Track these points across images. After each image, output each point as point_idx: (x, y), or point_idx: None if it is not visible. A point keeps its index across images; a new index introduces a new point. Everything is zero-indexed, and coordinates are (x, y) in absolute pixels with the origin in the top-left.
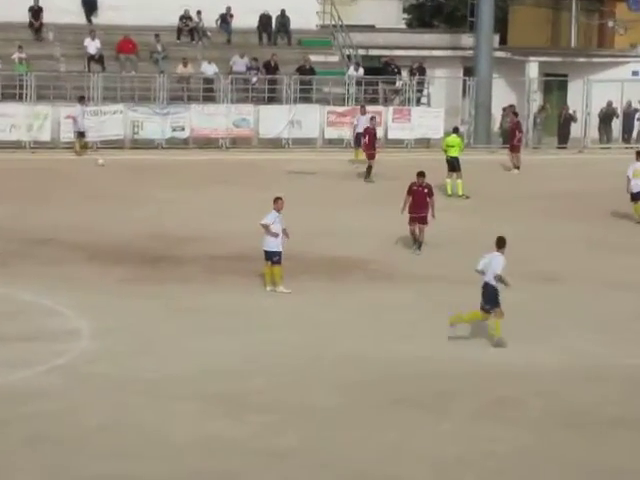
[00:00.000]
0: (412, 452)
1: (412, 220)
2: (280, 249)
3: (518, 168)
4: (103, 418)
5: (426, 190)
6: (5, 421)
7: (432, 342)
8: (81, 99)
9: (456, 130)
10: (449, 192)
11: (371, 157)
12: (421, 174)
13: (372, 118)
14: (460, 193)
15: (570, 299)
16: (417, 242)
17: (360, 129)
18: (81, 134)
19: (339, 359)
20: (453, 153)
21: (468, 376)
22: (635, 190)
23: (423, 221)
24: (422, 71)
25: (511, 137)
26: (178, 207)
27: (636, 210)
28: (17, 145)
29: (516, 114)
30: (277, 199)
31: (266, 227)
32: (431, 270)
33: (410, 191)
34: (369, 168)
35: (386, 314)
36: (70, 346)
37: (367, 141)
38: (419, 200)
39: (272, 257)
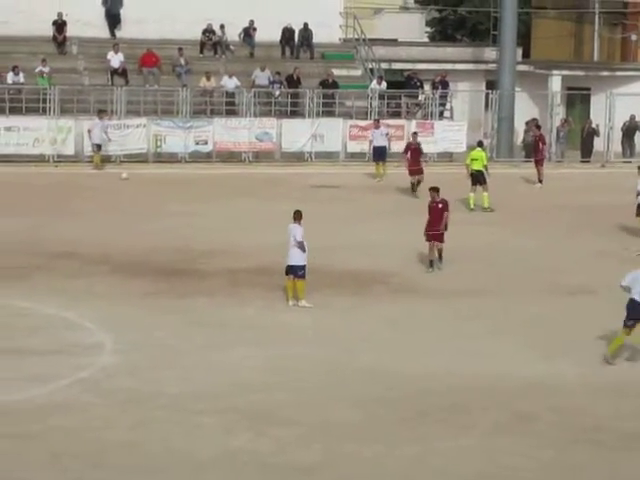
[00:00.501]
0: (432, 467)
1: (429, 238)
2: (305, 262)
3: (541, 182)
4: (126, 432)
5: (440, 205)
6: (27, 435)
7: (453, 357)
8: (99, 112)
9: (480, 144)
10: (471, 206)
11: (415, 172)
12: (434, 189)
13: (414, 134)
14: (485, 206)
15: (590, 312)
16: (433, 261)
17: (376, 143)
18: (98, 147)
19: (361, 373)
20: (477, 166)
21: (488, 391)
22: None
23: (440, 238)
24: (445, 85)
25: (536, 150)
26: (200, 220)
27: None
28: (41, 159)
29: (539, 127)
30: (299, 212)
31: (302, 243)
32: (452, 284)
33: (428, 209)
34: (418, 183)
35: (407, 328)
36: (93, 360)
37: (409, 157)
38: (435, 216)
39: (297, 271)
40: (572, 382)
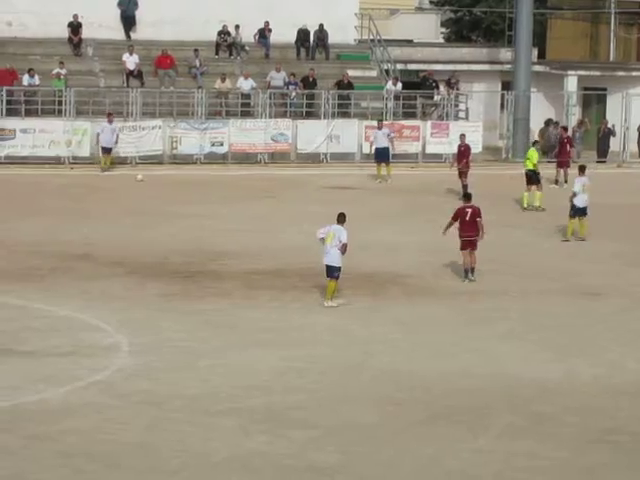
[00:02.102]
0: (449, 468)
1: (463, 245)
2: (341, 265)
3: (566, 182)
4: (141, 434)
5: (470, 210)
6: (43, 436)
7: (469, 357)
8: (108, 115)
9: (534, 143)
10: (524, 205)
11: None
12: (466, 196)
13: (462, 135)
14: (537, 204)
15: (609, 314)
16: (467, 270)
17: (378, 144)
18: (105, 150)
19: (377, 375)
20: (528, 166)
21: (504, 392)
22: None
23: (472, 246)
24: (454, 84)
25: (561, 152)
26: (216, 222)
27: None
28: (56, 161)
29: (565, 129)
30: (343, 214)
31: (346, 245)
32: (469, 285)
33: (455, 215)
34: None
35: (423, 330)
36: (108, 361)
37: (457, 158)
38: (464, 222)
39: (334, 272)
40: (589, 383)
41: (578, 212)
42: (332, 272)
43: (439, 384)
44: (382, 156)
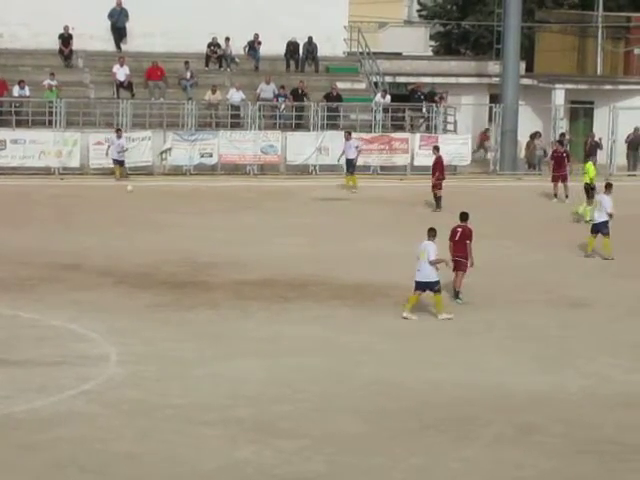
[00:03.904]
0: (438, 478)
1: (454, 266)
2: (439, 278)
3: (567, 196)
4: (130, 444)
5: (460, 230)
6: (32, 446)
7: (457, 368)
8: (117, 131)
9: (587, 157)
10: (587, 218)
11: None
12: (462, 215)
13: (436, 148)
14: (587, 219)
15: (597, 325)
16: (456, 290)
17: (349, 155)
18: (117, 162)
19: (365, 385)
20: (585, 179)
21: (493, 402)
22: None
23: (460, 267)
24: (431, 97)
25: (557, 167)
26: (206, 233)
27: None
28: (46, 171)
29: (562, 143)
30: (434, 229)
31: (438, 262)
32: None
33: (450, 234)
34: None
35: (411, 341)
36: (98, 371)
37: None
38: (455, 242)
39: (433, 287)
40: (576, 394)
41: (595, 227)
42: (432, 287)
43: (427, 394)
44: (349, 167)
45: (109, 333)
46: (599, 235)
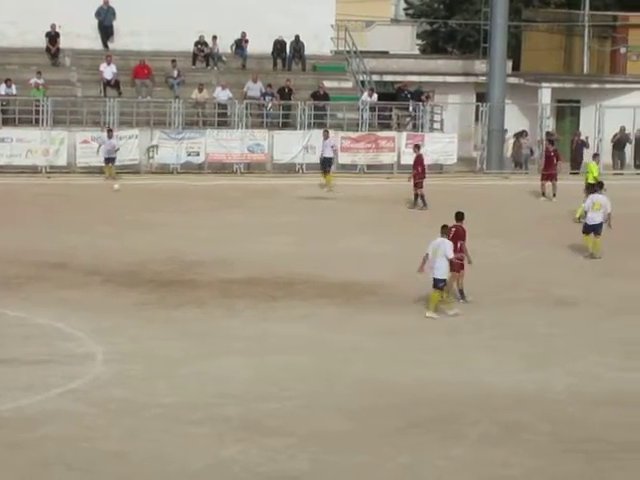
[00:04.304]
0: (423, 477)
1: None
2: (447, 277)
3: (555, 195)
4: (117, 442)
5: (453, 230)
6: (18, 445)
7: (444, 367)
8: (108, 131)
9: (594, 156)
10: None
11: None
12: (456, 215)
13: (416, 146)
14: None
15: (583, 324)
16: (460, 291)
17: (326, 154)
18: (108, 160)
19: (351, 383)
20: (589, 179)
21: (479, 401)
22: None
23: (456, 267)
24: (418, 95)
25: (548, 165)
26: (192, 231)
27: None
28: (33, 170)
29: (552, 142)
30: (447, 226)
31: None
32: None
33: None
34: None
35: (398, 339)
36: (84, 370)
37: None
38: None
39: (438, 283)
40: (562, 392)
41: (587, 229)
42: (436, 283)
43: (414, 393)
44: (326, 165)
45: (95, 332)
46: (591, 234)
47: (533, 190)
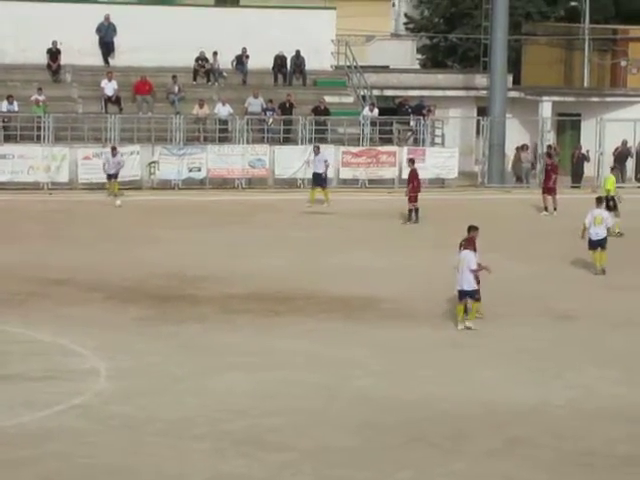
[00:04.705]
0: None
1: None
2: (478, 287)
3: (555, 209)
4: (120, 458)
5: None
6: (20, 461)
7: (444, 381)
8: (112, 150)
9: (612, 169)
10: (616, 230)
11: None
12: (470, 228)
13: (411, 160)
14: (616, 231)
15: (584, 337)
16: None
17: (317, 169)
18: (111, 176)
19: (353, 399)
20: (605, 192)
21: (481, 416)
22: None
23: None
24: (419, 110)
25: (546, 179)
26: (194, 247)
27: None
28: (35, 186)
29: (550, 155)
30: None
31: (478, 269)
32: (444, 309)
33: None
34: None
35: (400, 354)
36: (87, 386)
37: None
38: None
39: (474, 294)
40: (564, 407)
41: (592, 245)
42: (472, 295)
43: (415, 408)
44: (318, 181)
45: (97, 348)
46: (598, 249)
47: (534, 204)
